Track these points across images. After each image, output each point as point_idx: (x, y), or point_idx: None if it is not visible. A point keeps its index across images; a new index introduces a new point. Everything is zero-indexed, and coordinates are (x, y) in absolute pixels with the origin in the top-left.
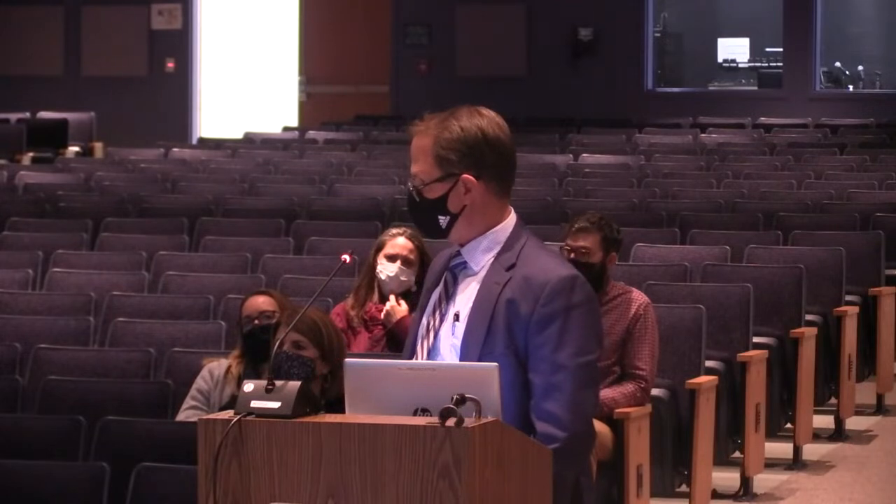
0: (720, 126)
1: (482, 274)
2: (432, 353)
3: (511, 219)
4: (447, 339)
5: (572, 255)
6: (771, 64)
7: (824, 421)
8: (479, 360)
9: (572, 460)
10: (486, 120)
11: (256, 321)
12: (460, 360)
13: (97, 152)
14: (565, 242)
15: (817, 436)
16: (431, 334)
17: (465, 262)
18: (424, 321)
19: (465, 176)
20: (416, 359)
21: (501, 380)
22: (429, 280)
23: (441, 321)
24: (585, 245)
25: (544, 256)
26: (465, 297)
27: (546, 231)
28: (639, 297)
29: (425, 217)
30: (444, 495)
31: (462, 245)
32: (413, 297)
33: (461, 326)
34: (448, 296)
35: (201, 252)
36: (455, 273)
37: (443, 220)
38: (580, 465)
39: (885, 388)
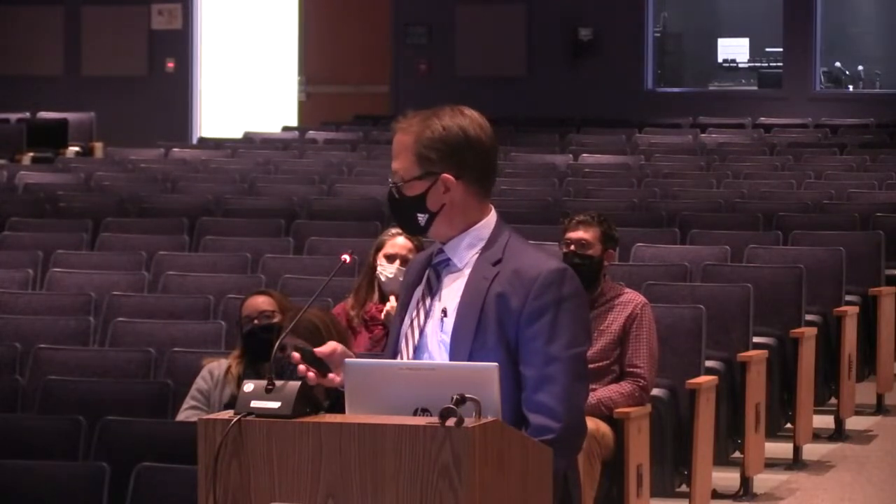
0: (720, 126)
1: (467, 270)
2: (419, 350)
3: (492, 216)
4: (435, 336)
5: (572, 248)
6: (771, 64)
7: (824, 421)
8: (470, 354)
9: (566, 452)
10: (469, 120)
11: (256, 321)
12: (450, 355)
13: (97, 152)
14: (564, 237)
15: (817, 436)
16: (417, 331)
17: (449, 259)
18: (407, 319)
19: (445, 175)
20: (401, 357)
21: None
22: (407, 279)
23: (426, 318)
24: (585, 237)
25: (531, 251)
26: (452, 293)
27: (546, 231)
28: (635, 297)
29: (404, 214)
30: (444, 495)
31: (443, 243)
32: None
33: (450, 322)
34: (432, 292)
35: (201, 252)
36: (438, 270)
37: (421, 218)
38: (573, 456)
39: (885, 388)
